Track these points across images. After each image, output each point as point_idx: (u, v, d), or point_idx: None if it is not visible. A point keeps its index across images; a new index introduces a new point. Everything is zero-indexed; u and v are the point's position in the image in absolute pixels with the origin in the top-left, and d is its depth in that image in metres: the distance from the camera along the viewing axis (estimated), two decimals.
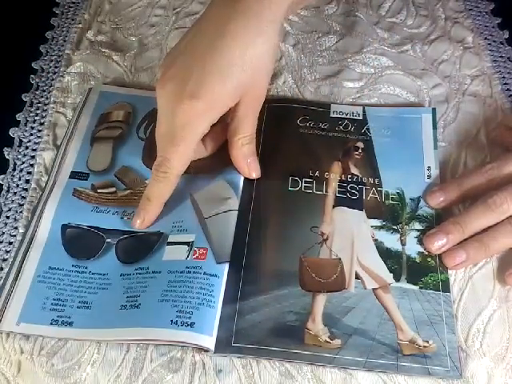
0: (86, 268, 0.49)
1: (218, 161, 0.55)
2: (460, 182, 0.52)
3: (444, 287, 0.48)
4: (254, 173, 0.53)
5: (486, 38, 0.68)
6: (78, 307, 0.47)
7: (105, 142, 0.58)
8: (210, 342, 0.44)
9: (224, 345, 0.45)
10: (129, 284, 0.48)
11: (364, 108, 0.60)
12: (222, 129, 0.52)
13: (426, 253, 0.50)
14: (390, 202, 0.53)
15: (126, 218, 0.52)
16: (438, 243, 0.49)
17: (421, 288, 0.48)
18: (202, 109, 0.47)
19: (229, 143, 0.52)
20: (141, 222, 0.51)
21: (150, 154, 0.56)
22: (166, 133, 0.49)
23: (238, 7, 0.47)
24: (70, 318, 0.46)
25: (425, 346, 0.44)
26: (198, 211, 0.51)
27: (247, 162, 0.53)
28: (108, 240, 0.51)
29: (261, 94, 0.51)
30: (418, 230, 0.51)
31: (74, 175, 0.55)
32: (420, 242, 0.51)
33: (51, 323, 0.46)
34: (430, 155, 0.56)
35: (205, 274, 0.47)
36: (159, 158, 0.49)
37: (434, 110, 0.59)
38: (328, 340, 0.45)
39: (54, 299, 0.47)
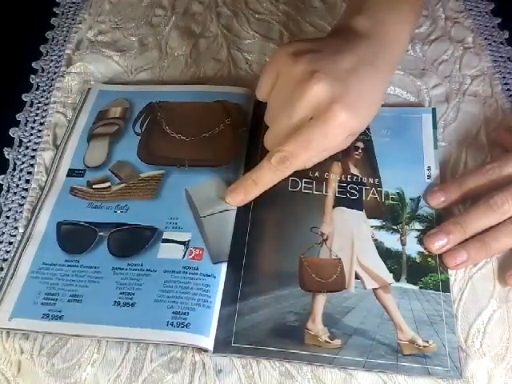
0: (78, 262, 0.49)
1: (213, 155, 0.56)
2: (460, 182, 0.52)
3: (444, 287, 0.48)
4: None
5: (486, 38, 0.68)
6: (68, 301, 0.47)
7: (101, 139, 0.58)
8: (207, 342, 0.44)
9: (224, 345, 0.45)
10: (121, 279, 0.48)
11: None
12: None
13: (426, 253, 0.50)
14: (390, 202, 0.53)
15: (119, 212, 0.52)
16: (439, 243, 0.49)
17: (421, 288, 0.48)
18: (352, 125, 0.46)
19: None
20: (241, 201, 0.51)
21: (145, 149, 0.57)
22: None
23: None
24: (60, 311, 0.46)
25: (425, 346, 0.44)
26: (193, 208, 0.51)
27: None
28: (100, 233, 0.51)
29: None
30: (418, 230, 0.51)
31: (71, 173, 0.56)
32: (420, 241, 0.50)
33: (42, 317, 0.46)
34: (430, 155, 0.56)
35: (201, 274, 0.48)
36: (284, 153, 0.47)
37: (434, 109, 0.59)
38: (328, 340, 0.45)
39: (45, 294, 0.48)
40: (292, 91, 0.46)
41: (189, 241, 0.50)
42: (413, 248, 0.50)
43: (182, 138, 0.57)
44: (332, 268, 0.49)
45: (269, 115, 0.50)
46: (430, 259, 0.49)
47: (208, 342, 0.44)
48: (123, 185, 0.54)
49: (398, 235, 0.51)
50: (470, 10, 0.71)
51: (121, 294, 0.47)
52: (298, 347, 0.45)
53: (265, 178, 0.49)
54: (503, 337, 0.46)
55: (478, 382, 0.44)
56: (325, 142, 0.46)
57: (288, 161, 0.47)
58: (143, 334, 0.45)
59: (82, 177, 0.55)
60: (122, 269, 0.48)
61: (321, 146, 0.47)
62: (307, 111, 0.46)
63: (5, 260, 0.52)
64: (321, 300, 0.47)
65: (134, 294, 0.47)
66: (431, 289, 0.48)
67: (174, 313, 0.45)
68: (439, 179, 0.54)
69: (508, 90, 0.62)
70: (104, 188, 0.54)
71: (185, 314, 0.45)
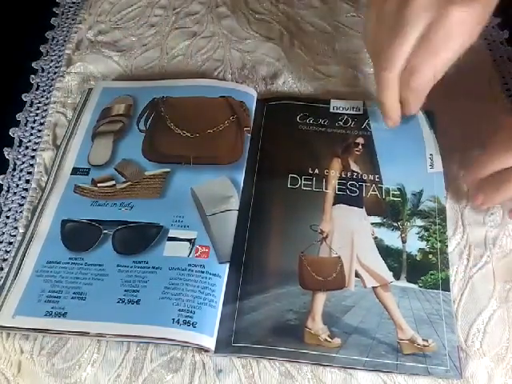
0: (82, 259, 0.49)
1: (218, 152, 0.56)
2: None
3: (444, 286, 0.48)
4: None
5: (485, 38, 0.68)
6: (72, 298, 0.47)
7: (105, 137, 0.58)
8: (211, 342, 0.45)
9: (224, 345, 0.45)
10: (126, 277, 0.48)
11: (364, 102, 0.60)
12: None
13: (427, 249, 0.50)
14: (391, 198, 0.53)
15: (123, 210, 0.52)
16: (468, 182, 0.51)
17: (420, 287, 0.48)
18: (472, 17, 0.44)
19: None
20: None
21: (149, 146, 0.57)
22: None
23: None
24: (63, 309, 0.46)
25: (424, 346, 0.44)
26: (199, 207, 0.52)
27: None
28: (105, 231, 0.51)
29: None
30: (419, 227, 0.51)
31: (76, 171, 0.56)
32: (421, 238, 0.50)
33: (45, 315, 0.46)
34: (430, 141, 0.55)
35: (207, 273, 0.48)
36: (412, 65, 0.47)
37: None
38: (328, 339, 0.45)
39: (49, 291, 0.47)
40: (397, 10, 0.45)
41: (195, 239, 0.50)
42: (413, 245, 0.50)
43: (187, 134, 0.57)
44: (332, 266, 0.49)
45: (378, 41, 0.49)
46: (430, 256, 0.49)
47: (211, 342, 0.45)
48: (128, 183, 0.54)
49: (399, 232, 0.51)
50: None
51: (125, 291, 0.47)
52: (298, 346, 0.45)
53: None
54: (503, 337, 0.46)
55: (477, 382, 0.44)
56: (450, 43, 0.45)
57: (417, 72, 0.46)
58: (148, 331, 0.45)
59: (87, 175, 0.55)
60: (127, 266, 0.48)
61: (448, 49, 0.45)
62: (421, 18, 0.44)
63: (5, 260, 0.52)
64: (320, 298, 0.47)
65: (138, 291, 0.47)
66: (431, 287, 0.48)
67: (179, 310, 0.45)
68: (442, 167, 0.54)
69: (508, 89, 0.62)
70: (109, 186, 0.54)
71: (191, 312, 0.45)
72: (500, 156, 0.47)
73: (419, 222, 0.51)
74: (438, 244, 0.50)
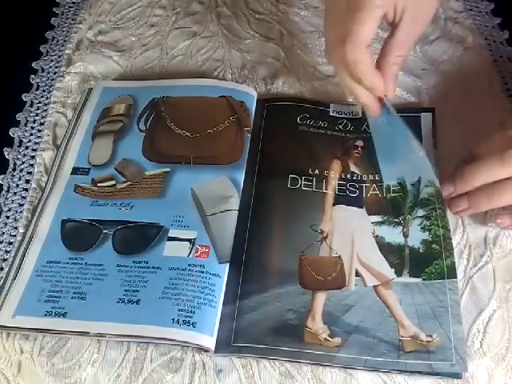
0: (82, 259, 0.49)
1: (218, 152, 0.56)
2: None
3: (449, 273, 0.48)
4: (390, 93, 0.50)
5: (486, 38, 0.68)
6: (72, 298, 0.47)
7: (106, 137, 0.58)
8: (210, 342, 0.45)
9: (224, 344, 0.45)
10: (126, 277, 0.48)
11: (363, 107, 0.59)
12: None
13: (430, 239, 0.50)
14: (391, 194, 0.53)
15: (123, 209, 0.52)
16: (446, 193, 0.50)
17: (424, 280, 0.48)
18: None
19: (382, 57, 0.49)
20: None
21: (149, 146, 0.57)
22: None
23: None
24: (63, 308, 0.46)
25: (428, 341, 0.44)
26: (199, 206, 0.52)
27: (389, 81, 0.49)
28: (105, 231, 0.51)
29: (428, 12, 0.48)
30: (421, 217, 0.51)
31: (76, 171, 0.56)
32: (423, 229, 0.50)
33: (45, 315, 0.46)
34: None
35: (207, 273, 0.48)
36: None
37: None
38: (328, 338, 0.45)
39: (49, 291, 0.47)
40: None
41: (195, 239, 0.50)
42: (416, 238, 0.50)
43: (187, 134, 0.57)
44: (332, 265, 0.49)
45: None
46: (434, 245, 0.49)
47: (211, 342, 0.45)
48: (128, 183, 0.54)
49: (401, 227, 0.51)
50: (470, 10, 0.71)
51: (125, 291, 0.47)
52: (298, 345, 0.45)
53: None
54: (503, 337, 0.46)
55: (477, 382, 0.44)
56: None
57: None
58: (148, 331, 0.45)
59: (87, 175, 0.55)
60: (127, 266, 0.48)
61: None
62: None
63: (5, 260, 0.52)
64: (320, 298, 0.47)
65: (138, 291, 0.47)
66: (436, 278, 0.47)
67: (179, 310, 0.45)
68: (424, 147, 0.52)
69: (508, 90, 0.62)
70: (109, 186, 0.54)
71: (191, 312, 0.45)
72: (491, 168, 0.47)
73: (421, 211, 0.51)
74: (441, 230, 0.50)
